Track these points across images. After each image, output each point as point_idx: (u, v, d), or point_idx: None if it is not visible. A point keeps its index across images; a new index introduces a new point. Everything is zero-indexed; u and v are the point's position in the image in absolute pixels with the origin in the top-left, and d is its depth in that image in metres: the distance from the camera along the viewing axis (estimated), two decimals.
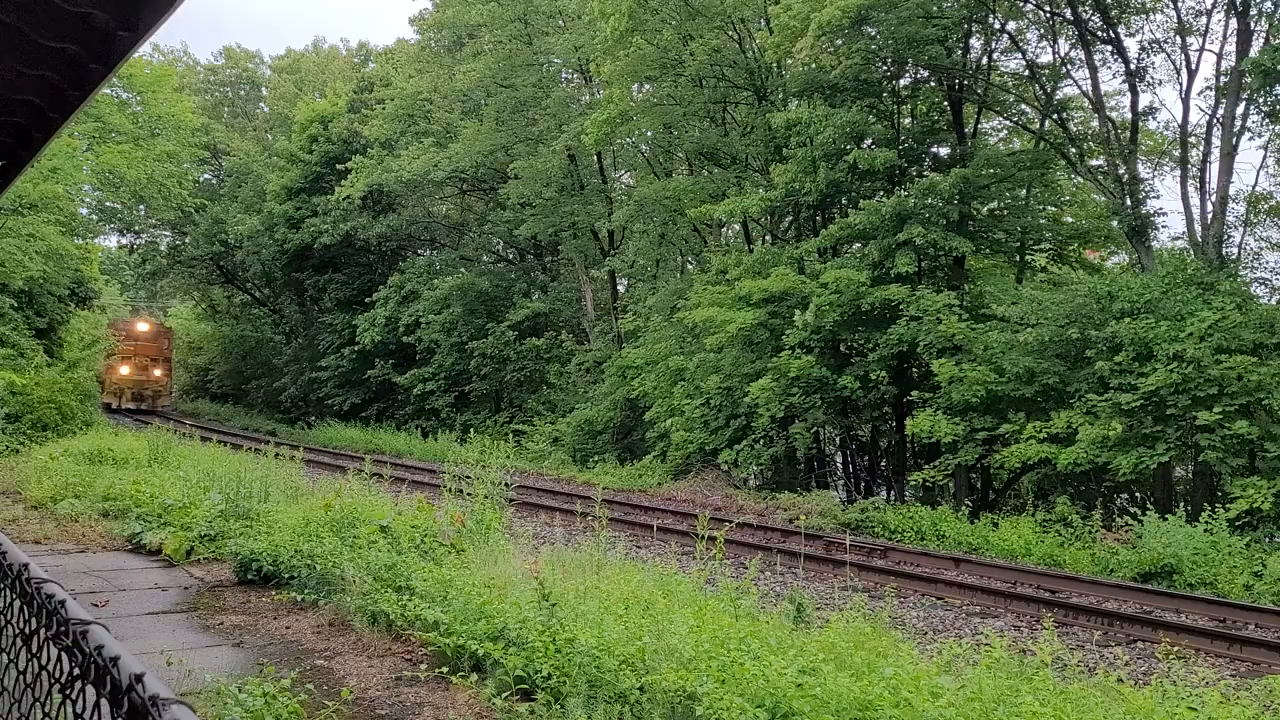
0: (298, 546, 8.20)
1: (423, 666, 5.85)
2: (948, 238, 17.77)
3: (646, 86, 26.35)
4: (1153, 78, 18.77)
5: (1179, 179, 17.07)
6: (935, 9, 18.81)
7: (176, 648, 6.04)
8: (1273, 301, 17.27)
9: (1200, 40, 17.66)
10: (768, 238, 25.49)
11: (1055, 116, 18.99)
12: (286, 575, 8.13)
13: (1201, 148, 16.90)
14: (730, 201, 21.18)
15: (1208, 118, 17.00)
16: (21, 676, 2.02)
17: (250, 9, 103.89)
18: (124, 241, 48.21)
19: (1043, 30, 19.50)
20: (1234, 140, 16.28)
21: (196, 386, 59.06)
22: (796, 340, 18.83)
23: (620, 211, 27.60)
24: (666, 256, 31.12)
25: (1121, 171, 17.46)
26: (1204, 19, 17.79)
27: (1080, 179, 20.36)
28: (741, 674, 4.62)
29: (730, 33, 23.36)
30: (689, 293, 23.23)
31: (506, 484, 10.27)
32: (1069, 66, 18.81)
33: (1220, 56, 17.08)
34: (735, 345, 20.61)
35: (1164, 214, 24.61)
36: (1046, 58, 19.64)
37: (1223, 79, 16.67)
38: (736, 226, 27.07)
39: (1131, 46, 18.23)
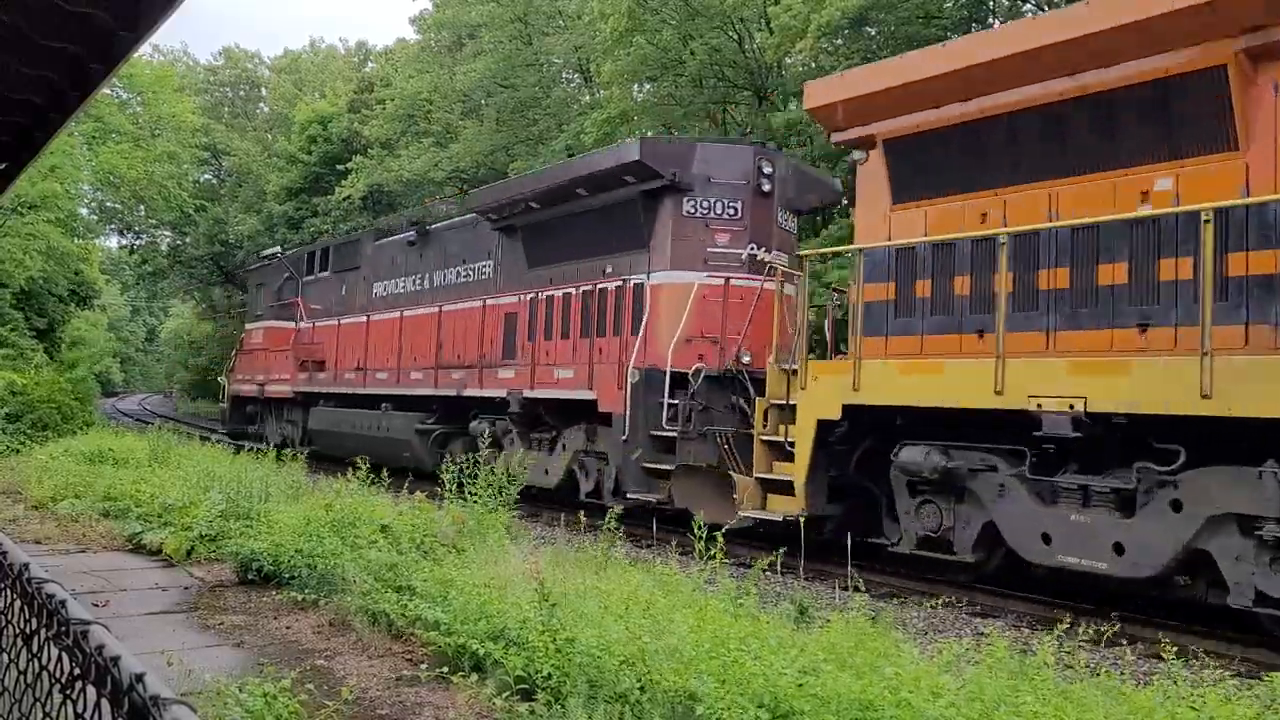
0: (298, 546, 8.20)
1: (423, 666, 5.85)
2: None
3: (647, 86, 26.36)
4: None
5: None
6: (935, 9, 18.82)
7: (177, 648, 6.03)
8: None
9: None
10: None
11: None
12: (287, 575, 8.13)
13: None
14: None
15: None
16: (22, 676, 2.02)
17: (248, 14, 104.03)
18: (124, 241, 48.22)
19: None
20: None
21: (197, 386, 59.07)
22: None
23: None
24: None
25: None
26: None
27: None
28: (742, 674, 4.61)
29: (730, 33, 23.37)
30: None
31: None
32: None
33: None
34: None
35: None
36: None
37: None
38: None
39: None
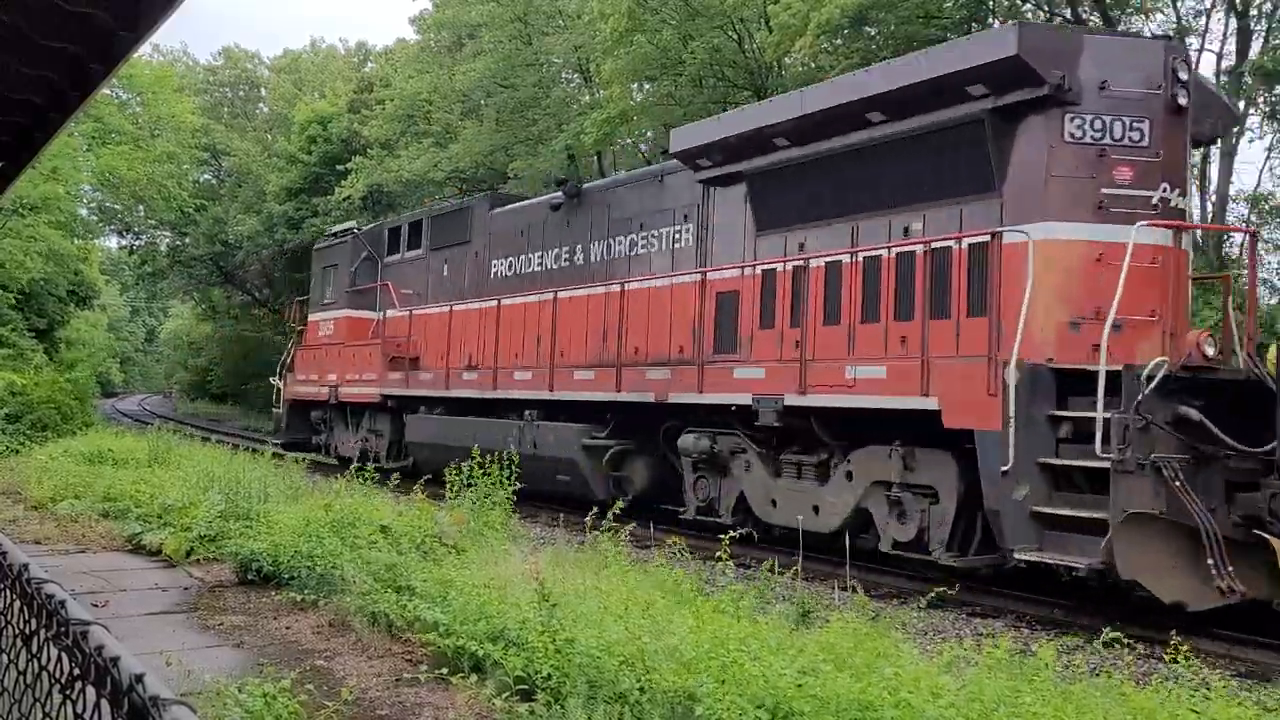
0: (298, 547, 8.21)
1: (423, 667, 5.85)
2: None
3: (646, 86, 26.36)
4: None
5: None
6: (935, 9, 18.83)
7: (176, 648, 6.03)
8: (1274, 301, 17.25)
9: (1200, 40, 17.69)
10: None
11: None
12: (286, 575, 8.14)
13: (1201, 148, 16.92)
14: None
15: None
16: (21, 677, 2.03)
17: (248, 14, 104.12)
18: (124, 242, 48.21)
19: None
20: (1234, 140, 16.29)
21: (196, 386, 59.13)
22: None
23: None
24: None
25: None
26: (1204, 19, 17.83)
27: None
28: (741, 674, 4.62)
29: (730, 32, 23.37)
30: None
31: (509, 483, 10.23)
32: None
33: (1220, 56, 17.10)
34: None
35: None
36: None
37: (1223, 78, 16.70)
38: None
39: None
